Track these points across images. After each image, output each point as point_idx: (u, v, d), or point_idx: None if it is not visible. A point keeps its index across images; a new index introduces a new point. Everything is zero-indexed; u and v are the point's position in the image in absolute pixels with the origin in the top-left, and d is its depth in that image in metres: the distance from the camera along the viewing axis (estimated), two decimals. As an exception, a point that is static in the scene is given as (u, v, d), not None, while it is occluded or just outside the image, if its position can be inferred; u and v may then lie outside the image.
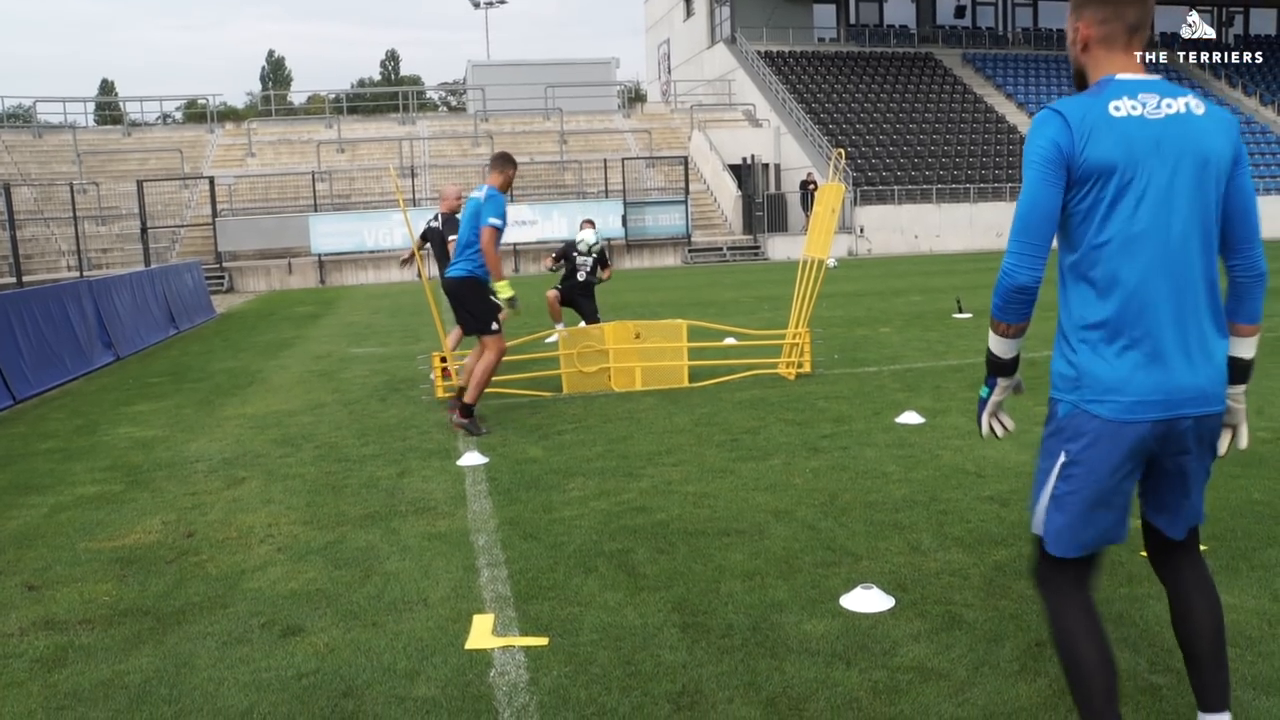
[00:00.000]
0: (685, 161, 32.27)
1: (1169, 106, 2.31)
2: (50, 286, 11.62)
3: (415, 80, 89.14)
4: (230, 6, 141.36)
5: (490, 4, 60.44)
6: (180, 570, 4.54)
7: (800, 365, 9.06)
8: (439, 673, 3.41)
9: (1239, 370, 2.50)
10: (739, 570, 4.24)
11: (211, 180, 28.49)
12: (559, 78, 40.23)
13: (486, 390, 7.47)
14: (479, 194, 7.23)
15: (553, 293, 11.28)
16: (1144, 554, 2.74)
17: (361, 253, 28.61)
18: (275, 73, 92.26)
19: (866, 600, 3.82)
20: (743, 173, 33.79)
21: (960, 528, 4.67)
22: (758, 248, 31.83)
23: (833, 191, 8.99)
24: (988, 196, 34.70)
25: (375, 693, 3.29)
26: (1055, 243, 2.44)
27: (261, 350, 12.97)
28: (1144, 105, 2.30)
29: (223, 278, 26.86)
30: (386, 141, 34.51)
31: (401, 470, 6.23)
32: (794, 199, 33.27)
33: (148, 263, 25.47)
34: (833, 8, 44.82)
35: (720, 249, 31.74)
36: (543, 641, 3.61)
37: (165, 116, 44.98)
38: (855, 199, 33.06)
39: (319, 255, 28.17)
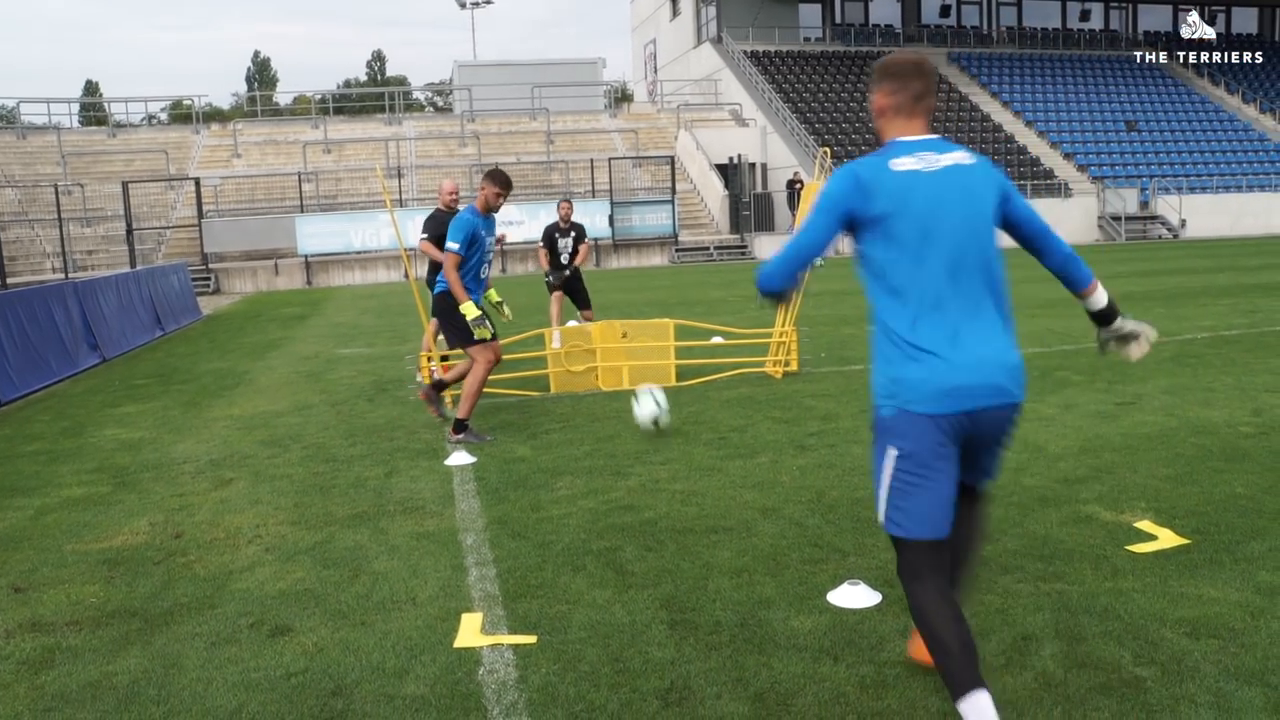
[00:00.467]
0: (672, 161, 32.27)
1: (943, 160, 2.78)
2: (35, 288, 11.57)
3: (402, 81, 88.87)
4: (216, 6, 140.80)
5: (476, 4, 60.34)
6: (168, 571, 4.53)
7: (787, 364, 9.09)
8: (428, 671, 3.41)
9: (1111, 311, 3.12)
10: (727, 567, 4.26)
11: (197, 181, 28.40)
12: (545, 78, 40.19)
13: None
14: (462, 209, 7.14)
15: (555, 301, 10.91)
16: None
17: (348, 253, 28.56)
18: (261, 73, 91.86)
19: (854, 596, 3.85)
20: (729, 172, 33.85)
21: (946, 524, 4.69)
22: (745, 247, 31.87)
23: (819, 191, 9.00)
24: (972, 194, 34.78)
25: (364, 691, 3.29)
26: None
27: (248, 351, 12.93)
28: (922, 160, 2.77)
29: (209, 279, 26.76)
30: (373, 142, 34.45)
31: (389, 470, 6.23)
32: (780, 198, 33.33)
33: (133, 264, 25.36)
34: (818, 7, 45.00)
35: (707, 248, 31.78)
36: (531, 639, 3.62)
37: (150, 118, 44.83)
38: (842, 198, 33.05)
39: (306, 256, 28.10)
